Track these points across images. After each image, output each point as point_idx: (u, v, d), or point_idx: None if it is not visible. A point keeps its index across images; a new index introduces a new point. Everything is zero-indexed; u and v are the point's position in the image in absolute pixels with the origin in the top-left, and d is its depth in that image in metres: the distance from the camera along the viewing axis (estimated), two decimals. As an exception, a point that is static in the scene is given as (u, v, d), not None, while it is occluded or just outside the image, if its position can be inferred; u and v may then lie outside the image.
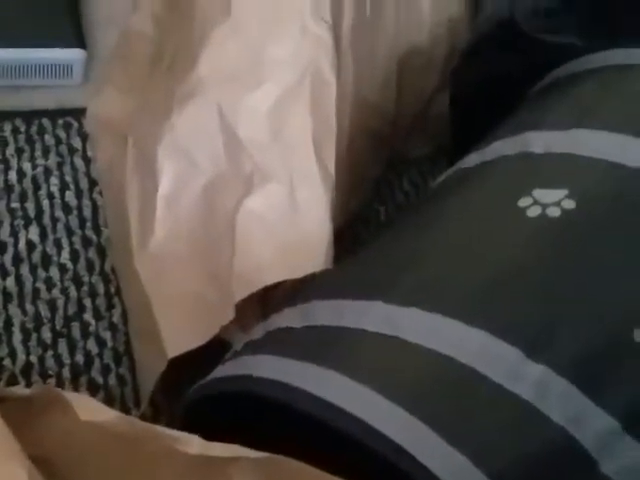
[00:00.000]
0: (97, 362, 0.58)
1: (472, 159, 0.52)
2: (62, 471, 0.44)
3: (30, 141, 0.67)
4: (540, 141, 0.49)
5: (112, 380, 0.57)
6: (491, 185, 0.49)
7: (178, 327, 0.51)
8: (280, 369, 0.41)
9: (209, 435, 0.39)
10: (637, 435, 0.39)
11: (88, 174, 0.66)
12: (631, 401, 0.40)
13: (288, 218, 0.52)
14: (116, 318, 0.60)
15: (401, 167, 0.68)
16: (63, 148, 0.67)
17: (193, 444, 0.39)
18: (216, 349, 0.50)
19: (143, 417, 0.55)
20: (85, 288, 0.61)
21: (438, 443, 0.37)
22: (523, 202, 0.46)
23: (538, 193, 0.46)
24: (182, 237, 0.53)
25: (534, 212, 0.45)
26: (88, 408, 0.42)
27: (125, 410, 0.56)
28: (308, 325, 0.44)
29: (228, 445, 0.39)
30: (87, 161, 0.67)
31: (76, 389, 0.56)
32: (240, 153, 0.54)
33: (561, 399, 0.39)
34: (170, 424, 0.47)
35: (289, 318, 0.45)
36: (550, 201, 0.45)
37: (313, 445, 0.38)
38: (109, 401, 0.56)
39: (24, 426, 0.44)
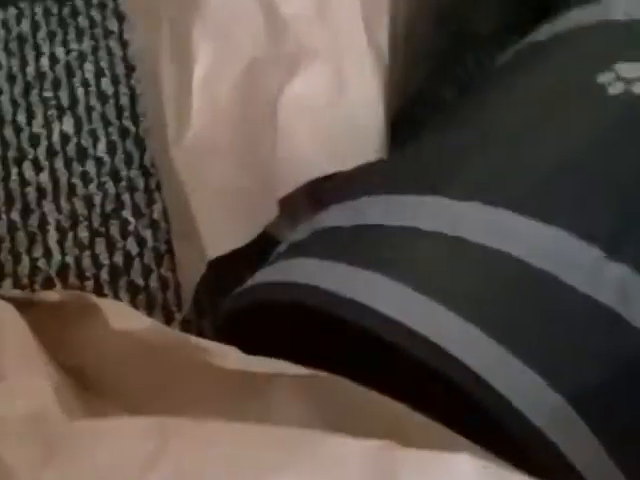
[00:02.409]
0: (137, 263, 0.54)
1: (543, 31, 0.46)
2: (96, 382, 0.41)
3: (63, 24, 0.62)
4: (622, 6, 0.43)
5: (153, 282, 0.54)
6: (565, 60, 0.43)
7: (218, 225, 0.46)
8: (327, 275, 0.36)
9: (248, 347, 0.35)
10: None
11: (125, 59, 0.61)
12: None
13: (336, 103, 0.47)
14: (157, 215, 0.56)
15: (465, 44, 0.61)
16: (98, 31, 0.63)
17: (229, 358, 0.35)
18: (264, 246, 0.46)
19: (185, 321, 0.52)
20: (123, 183, 0.57)
21: (511, 363, 0.33)
22: (603, 78, 0.40)
23: (621, 67, 0.40)
24: (221, 128, 0.48)
25: (617, 89, 0.39)
26: (120, 315, 0.40)
27: (167, 314, 0.52)
28: (357, 224, 0.39)
29: (267, 360, 0.35)
30: (124, 45, 0.62)
31: (115, 292, 0.53)
32: (282, 32, 0.48)
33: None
34: (214, 329, 0.44)
35: (337, 216, 0.40)
36: (636, 76, 0.39)
37: (361, 359, 0.34)
38: (150, 304, 0.53)
39: (55, 334, 0.41)
